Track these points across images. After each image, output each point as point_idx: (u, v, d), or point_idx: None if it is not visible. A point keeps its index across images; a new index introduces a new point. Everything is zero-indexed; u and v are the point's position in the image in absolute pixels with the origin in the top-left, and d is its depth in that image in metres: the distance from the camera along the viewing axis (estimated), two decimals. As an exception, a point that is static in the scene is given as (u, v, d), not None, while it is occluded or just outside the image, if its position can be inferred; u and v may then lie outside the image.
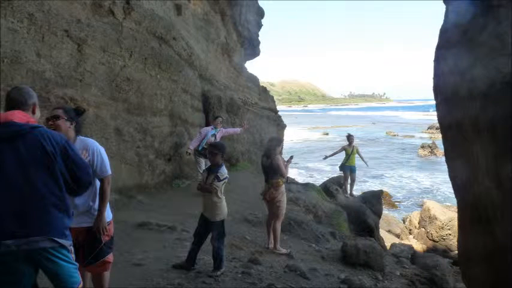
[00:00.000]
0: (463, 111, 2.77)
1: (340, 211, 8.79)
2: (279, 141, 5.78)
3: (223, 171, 4.01)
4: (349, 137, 10.39)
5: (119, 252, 4.04)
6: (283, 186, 5.36)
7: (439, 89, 3.32)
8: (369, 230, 9.02)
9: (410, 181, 23.01)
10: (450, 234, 11.67)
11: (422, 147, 32.07)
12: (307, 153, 31.91)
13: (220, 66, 14.01)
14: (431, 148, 31.12)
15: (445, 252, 10.92)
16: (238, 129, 9.60)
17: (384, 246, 8.77)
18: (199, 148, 7.98)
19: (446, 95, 3.14)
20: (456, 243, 4.09)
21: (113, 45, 6.64)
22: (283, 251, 5.42)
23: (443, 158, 3.56)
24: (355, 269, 5.58)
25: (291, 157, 5.73)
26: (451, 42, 3.08)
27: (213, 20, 12.87)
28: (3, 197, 1.97)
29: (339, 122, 71.71)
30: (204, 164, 7.83)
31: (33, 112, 2.22)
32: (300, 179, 17.17)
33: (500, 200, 2.40)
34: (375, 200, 10.54)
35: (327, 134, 51.07)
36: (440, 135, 3.60)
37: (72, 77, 5.77)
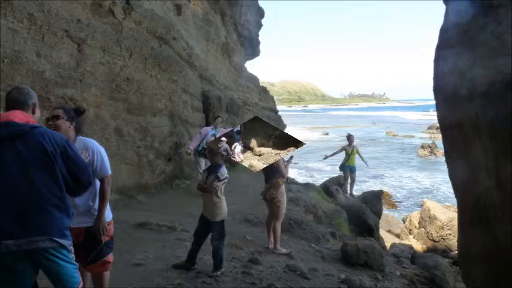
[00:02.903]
0: (463, 111, 2.77)
1: (340, 211, 8.78)
2: (279, 141, 5.77)
3: (223, 171, 4.01)
4: (349, 137, 10.38)
5: (119, 252, 4.03)
6: (283, 186, 5.35)
7: (439, 89, 3.32)
8: (369, 230, 9.01)
9: (410, 181, 22.97)
10: (450, 234, 11.65)
11: (422, 147, 32.06)
12: (307, 153, 31.86)
13: (220, 66, 14.01)
14: (431, 148, 31.10)
15: (445, 252, 10.91)
16: (238, 130, 9.58)
17: (384, 246, 8.76)
18: (199, 148, 7.98)
19: (446, 95, 3.14)
20: (456, 243, 4.09)
21: (113, 45, 6.64)
22: (283, 251, 5.42)
23: (443, 158, 3.56)
24: (355, 269, 5.57)
25: (291, 157, 5.72)
26: (451, 42, 3.08)
27: (213, 20, 12.86)
28: (3, 197, 1.96)
29: (339, 122, 71.66)
30: (204, 164, 7.84)
31: (33, 112, 2.22)
32: (300, 179, 17.15)
33: (500, 200, 2.40)
34: (375, 200, 10.52)
35: (327, 134, 51.05)
36: (440, 135, 3.60)
37: (72, 77, 5.77)
